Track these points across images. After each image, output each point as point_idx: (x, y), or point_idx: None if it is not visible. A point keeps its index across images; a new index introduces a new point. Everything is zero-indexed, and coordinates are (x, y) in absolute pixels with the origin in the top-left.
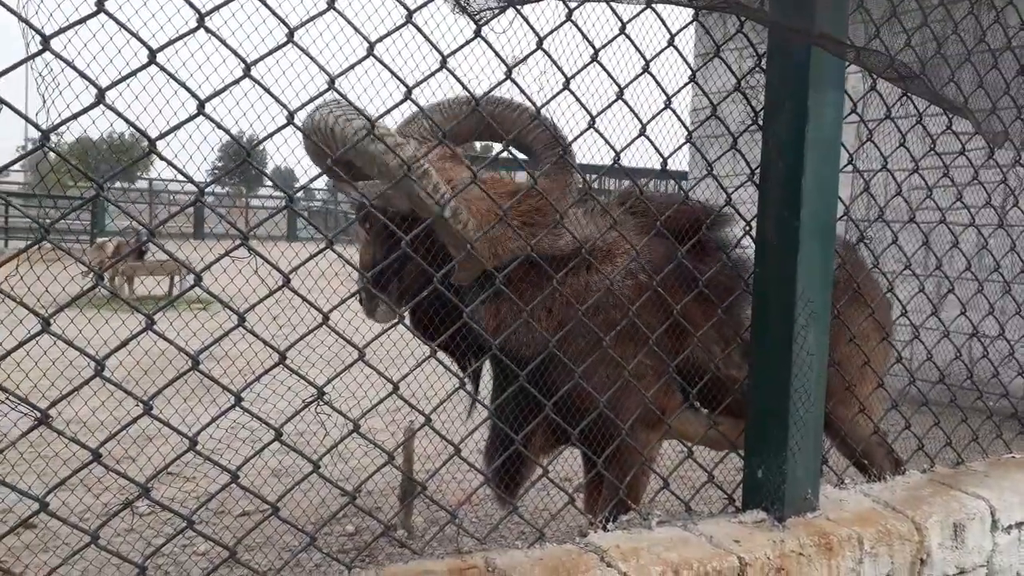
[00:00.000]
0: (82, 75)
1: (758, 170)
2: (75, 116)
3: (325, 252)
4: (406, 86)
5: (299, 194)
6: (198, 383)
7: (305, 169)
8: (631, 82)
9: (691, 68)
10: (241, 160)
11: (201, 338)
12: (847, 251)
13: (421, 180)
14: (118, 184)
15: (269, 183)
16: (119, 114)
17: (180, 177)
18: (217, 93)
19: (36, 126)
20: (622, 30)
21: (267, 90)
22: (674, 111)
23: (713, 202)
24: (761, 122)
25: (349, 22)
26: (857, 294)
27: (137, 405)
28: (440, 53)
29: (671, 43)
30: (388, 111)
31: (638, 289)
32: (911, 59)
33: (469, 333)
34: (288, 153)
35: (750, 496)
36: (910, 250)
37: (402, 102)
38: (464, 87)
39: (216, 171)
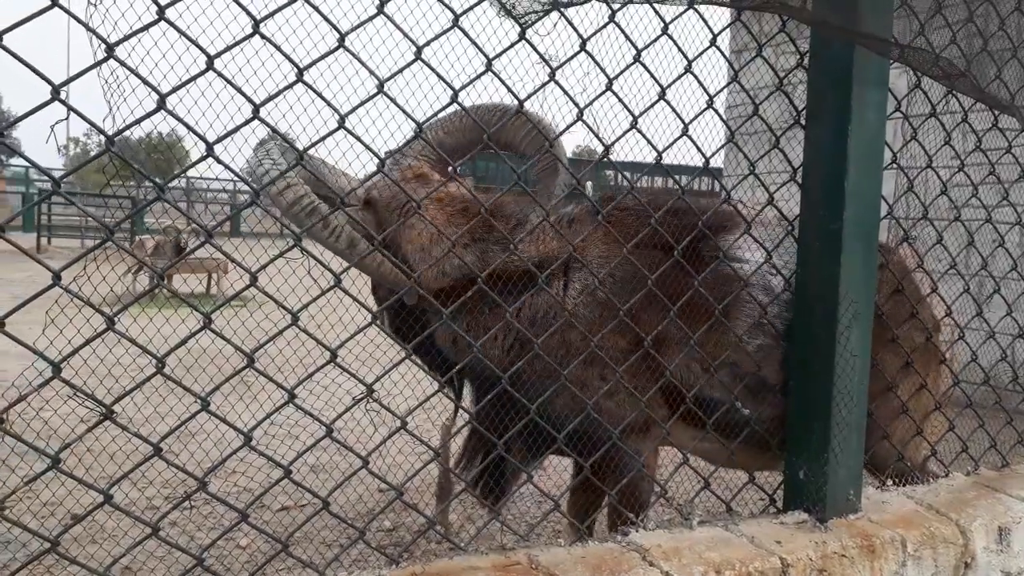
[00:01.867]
0: (144, 81)
1: (800, 169)
2: (138, 121)
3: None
4: (453, 89)
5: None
6: (239, 381)
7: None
8: (674, 82)
9: (733, 67)
10: (295, 162)
11: (241, 336)
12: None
13: (311, 220)
14: (148, 183)
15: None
16: (179, 119)
17: (220, 175)
18: (272, 97)
19: (102, 131)
20: (664, 30)
21: (319, 94)
22: (716, 111)
23: (750, 200)
24: (803, 121)
25: (398, 27)
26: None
27: (195, 402)
28: (485, 56)
29: (713, 43)
30: (436, 114)
31: (597, 308)
32: (956, 56)
33: (434, 346)
34: (338, 156)
35: (791, 497)
36: (955, 249)
37: (448, 105)
38: (509, 89)
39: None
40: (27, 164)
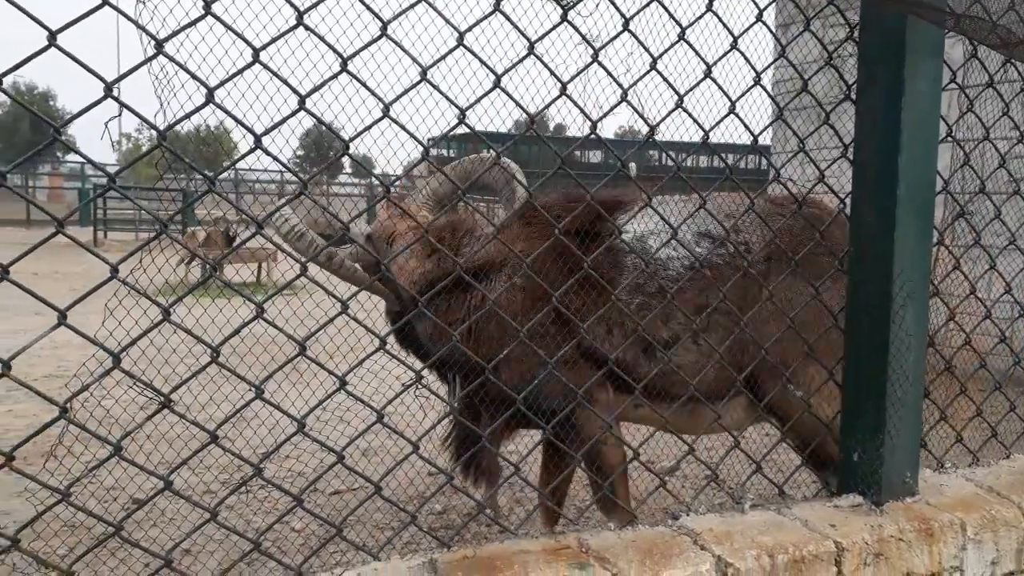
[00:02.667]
0: (193, 76)
1: (851, 144)
2: (188, 116)
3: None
4: (495, 74)
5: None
6: (291, 368)
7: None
8: (719, 59)
9: (779, 42)
10: (342, 152)
11: (292, 324)
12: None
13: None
14: (198, 176)
15: (347, 172)
16: (228, 112)
17: (267, 167)
18: (317, 88)
19: (154, 127)
20: (709, 7)
21: (363, 84)
22: (763, 87)
23: (800, 177)
24: (854, 95)
25: (440, 13)
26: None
27: (249, 389)
28: (528, 39)
29: (759, 18)
30: (479, 99)
31: (518, 293)
32: (1014, 22)
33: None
34: (377, 144)
35: (845, 480)
36: (1014, 224)
37: (491, 90)
38: (552, 72)
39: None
40: (82, 160)
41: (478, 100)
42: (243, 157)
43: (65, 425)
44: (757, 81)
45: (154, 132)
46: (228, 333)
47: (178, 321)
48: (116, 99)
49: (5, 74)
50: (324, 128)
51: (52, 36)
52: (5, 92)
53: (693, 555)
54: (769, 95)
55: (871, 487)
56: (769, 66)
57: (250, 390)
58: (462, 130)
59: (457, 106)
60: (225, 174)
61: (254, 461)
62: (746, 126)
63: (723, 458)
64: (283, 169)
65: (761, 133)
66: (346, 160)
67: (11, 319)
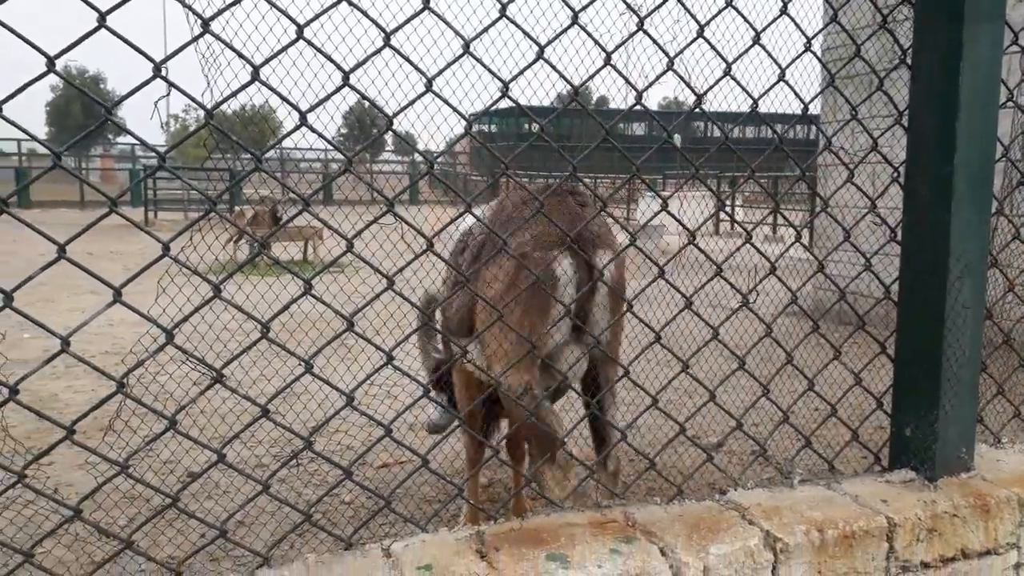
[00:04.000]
0: (239, 54)
1: (905, 111)
2: (234, 94)
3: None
4: (539, 45)
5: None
6: (340, 344)
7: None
8: (768, 25)
9: (831, 6)
10: (386, 128)
11: (340, 301)
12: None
13: None
14: (245, 155)
15: (390, 148)
16: (273, 90)
17: (313, 145)
18: (361, 63)
19: (201, 105)
20: None
21: (407, 58)
22: (814, 53)
23: (851, 146)
24: (909, 60)
25: None
26: None
27: (299, 364)
28: (571, 8)
29: None
30: (522, 71)
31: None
32: None
33: None
34: (417, 117)
35: (897, 455)
36: None
37: (535, 61)
38: (596, 42)
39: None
40: (132, 142)
41: (521, 72)
42: (289, 134)
43: (122, 400)
44: (808, 47)
45: (201, 112)
46: (277, 309)
47: (228, 298)
48: (164, 78)
49: (58, 56)
50: (367, 105)
51: (102, 17)
52: (58, 74)
53: (741, 529)
54: (820, 61)
55: (924, 462)
56: (821, 31)
57: (299, 365)
58: (505, 105)
59: (500, 79)
60: (271, 152)
61: (304, 435)
62: (796, 94)
63: (772, 433)
64: (328, 147)
65: (812, 100)
66: (389, 137)
67: (69, 298)
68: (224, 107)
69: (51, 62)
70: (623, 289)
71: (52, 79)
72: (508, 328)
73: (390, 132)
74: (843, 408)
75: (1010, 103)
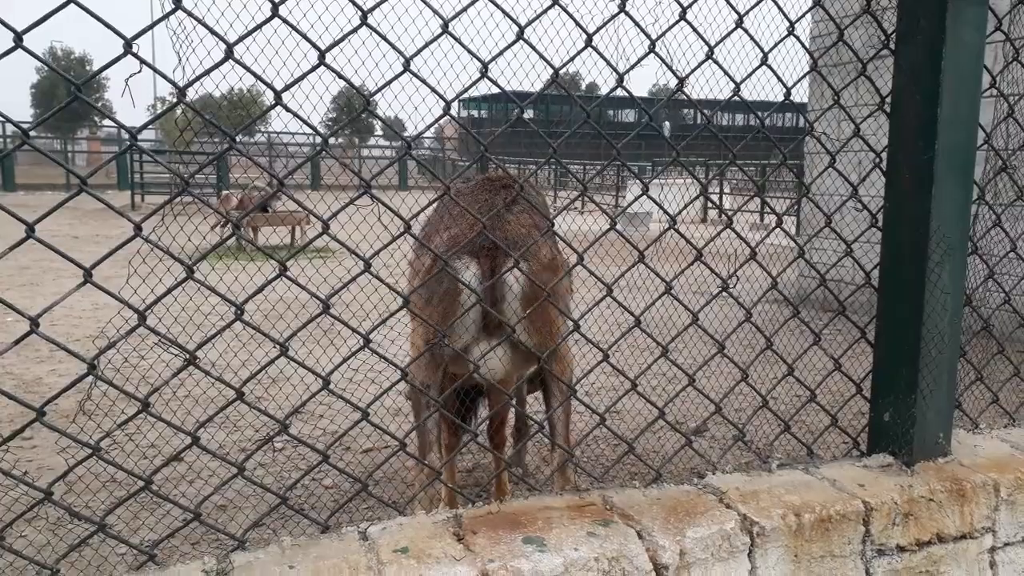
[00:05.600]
0: (211, 31)
1: (888, 97)
2: (207, 72)
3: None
4: (519, 25)
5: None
6: (316, 328)
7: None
8: (751, 8)
9: None
10: (362, 108)
11: (330, 284)
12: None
13: None
14: (239, 140)
15: (379, 134)
16: (247, 68)
17: (302, 129)
18: (337, 42)
19: (172, 83)
20: None
21: (383, 37)
22: (798, 38)
23: (836, 134)
24: (893, 46)
25: None
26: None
27: (274, 347)
28: None
29: None
30: (502, 52)
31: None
32: None
33: None
34: (403, 102)
35: (876, 440)
36: None
37: (514, 42)
38: (576, 23)
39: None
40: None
41: (500, 53)
42: (264, 113)
43: (92, 382)
44: (791, 31)
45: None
46: (253, 292)
47: (201, 279)
48: (136, 55)
49: (27, 31)
50: (355, 90)
51: None
52: (26, 49)
53: (718, 513)
54: (804, 46)
55: (902, 447)
56: (804, 15)
57: (275, 347)
58: (493, 93)
59: (479, 59)
60: (260, 137)
61: (280, 418)
62: (779, 78)
63: (750, 418)
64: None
65: (795, 85)
66: (378, 124)
67: (55, 281)
68: (213, 91)
69: (19, 37)
70: (548, 285)
71: (37, 62)
72: (417, 324)
73: (378, 118)
74: (824, 394)
75: (993, 90)
